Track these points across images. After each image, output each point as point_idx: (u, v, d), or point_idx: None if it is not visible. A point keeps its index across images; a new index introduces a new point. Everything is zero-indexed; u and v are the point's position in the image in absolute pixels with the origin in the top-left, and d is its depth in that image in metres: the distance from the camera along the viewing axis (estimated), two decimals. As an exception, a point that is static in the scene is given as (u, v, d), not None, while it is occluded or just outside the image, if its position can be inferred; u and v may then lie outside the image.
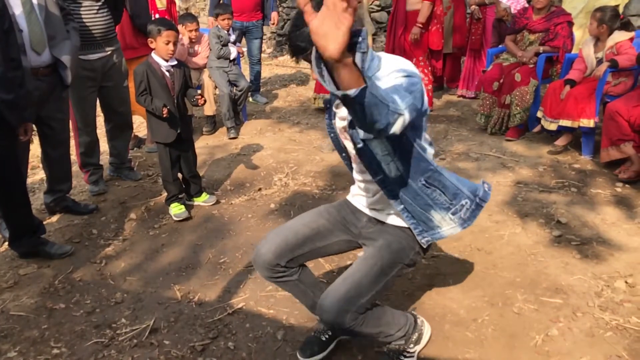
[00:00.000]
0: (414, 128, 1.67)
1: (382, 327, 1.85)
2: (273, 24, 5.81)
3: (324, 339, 2.09)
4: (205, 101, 3.20)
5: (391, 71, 1.59)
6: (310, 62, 1.50)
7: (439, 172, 1.80)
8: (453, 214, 1.83)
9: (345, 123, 1.76)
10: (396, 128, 1.36)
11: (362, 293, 1.72)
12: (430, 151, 1.79)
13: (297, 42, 1.62)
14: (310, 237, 1.94)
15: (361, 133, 1.51)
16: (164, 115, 3.04)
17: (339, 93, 1.19)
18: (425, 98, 1.61)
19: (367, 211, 1.97)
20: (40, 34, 2.84)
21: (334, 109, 1.87)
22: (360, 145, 1.67)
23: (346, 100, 1.21)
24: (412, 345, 1.99)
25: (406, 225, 1.86)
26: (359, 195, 2.00)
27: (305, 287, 2.02)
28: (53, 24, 2.90)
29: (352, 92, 1.17)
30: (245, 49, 5.62)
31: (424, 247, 1.88)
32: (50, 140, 3.17)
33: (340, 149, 1.96)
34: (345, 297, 1.70)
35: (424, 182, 1.78)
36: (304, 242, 1.93)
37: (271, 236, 1.95)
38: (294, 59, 1.70)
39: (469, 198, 1.83)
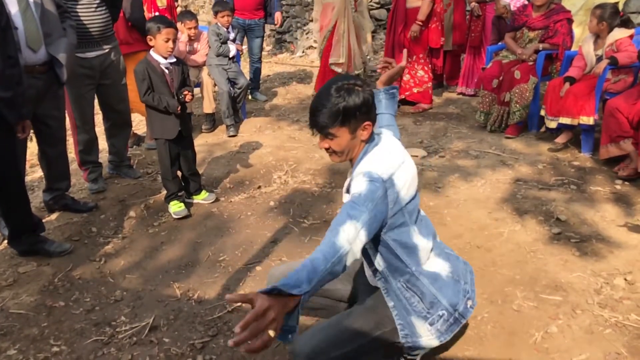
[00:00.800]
0: (391, 227, 1.67)
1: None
2: (277, 24, 5.79)
3: None
4: (192, 97, 3.20)
5: (359, 172, 1.64)
6: (322, 133, 1.68)
7: (416, 276, 1.74)
8: (430, 324, 1.75)
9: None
10: (350, 260, 1.48)
11: (332, 348, 1.71)
12: (419, 247, 1.74)
13: (321, 119, 1.64)
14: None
15: None
16: (178, 113, 3.09)
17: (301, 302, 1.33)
18: (399, 195, 1.64)
19: (367, 273, 1.93)
20: (36, 31, 2.82)
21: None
22: None
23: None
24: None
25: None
26: None
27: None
28: (49, 21, 2.89)
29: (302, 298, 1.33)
30: (245, 47, 5.61)
31: (405, 348, 1.82)
32: (47, 138, 3.16)
33: None
34: (315, 346, 1.71)
35: (402, 284, 1.75)
36: None
37: (280, 266, 2.01)
38: (311, 131, 1.73)
39: (447, 310, 1.76)
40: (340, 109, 1.62)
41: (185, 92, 3.15)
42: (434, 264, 1.80)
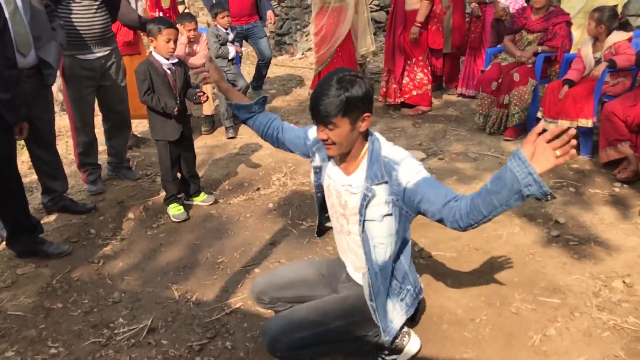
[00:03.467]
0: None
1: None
2: (271, 23, 5.78)
3: None
4: (207, 97, 3.20)
5: (400, 160, 1.75)
6: (322, 123, 1.72)
7: (401, 255, 1.89)
8: (401, 300, 1.88)
9: (346, 190, 1.84)
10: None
11: (298, 329, 1.79)
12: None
13: (325, 109, 1.67)
14: (293, 283, 2.05)
15: (374, 212, 1.73)
16: (175, 114, 3.09)
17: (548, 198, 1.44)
18: None
19: (349, 270, 2.00)
20: (26, 35, 2.81)
21: (327, 172, 1.91)
22: (363, 220, 1.77)
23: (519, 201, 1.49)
24: (387, 352, 2.00)
25: None
26: (344, 254, 2.03)
27: None
28: (39, 24, 2.88)
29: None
30: (244, 49, 5.60)
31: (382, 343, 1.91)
32: (37, 141, 3.13)
33: (322, 204, 2.04)
34: (282, 326, 1.80)
35: (394, 264, 1.86)
36: (286, 286, 2.05)
37: (265, 275, 2.15)
38: (313, 121, 1.76)
39: (412, 285, 1.90)
40: (344, 99, 1.65)
41: (200, 94, 3.16)
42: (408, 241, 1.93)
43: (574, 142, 1.39)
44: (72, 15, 3.27)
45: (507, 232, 2.92)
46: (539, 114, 4.16)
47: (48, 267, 2.85)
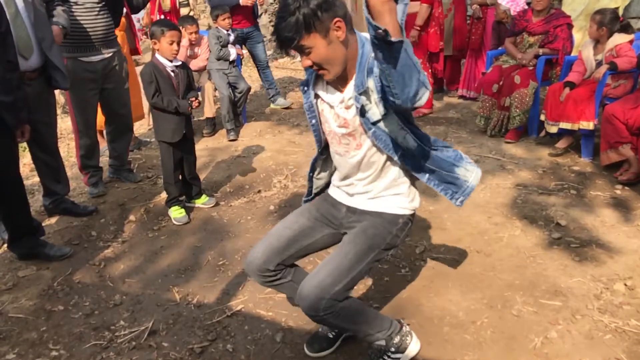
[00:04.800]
0: None
1: (361, 325, 1.89)
2: (252, 2, 5.35)
3: (331, 336, 2.13)
4: (199, 104, 3.21)
5: None
6: (297, 50, 1.62)
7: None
8: (464, 159, 1.91)
9: (342, 106, 1.78)
10: (423, 100, 1.48)
11: (337, 280, 1.75)
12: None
13: (285, 34, 1.61)
14: (293, 238, 1.98)
15: (373, 116, 1.65)
16: (189, 113, 3.16)
17: (384, 34, 1.31)
18: None
19: (345, 201, 1.98)
20: (28, 38, 2.81)
21: (321, 93, 1.85)
22: (372, 129, 1.72)
23: (386, 48, 1.36)
24: (393, 350, 1.99)
25: (384, 210, 1.89)
26: (336, 188, 2.03)
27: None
28: (42, 25, 2.89)
29: (394, 38, 1.32)
30: (245, 52, 5.61)
31: (410, 221, 1.95)
32: (39, 144, 3.14)
33: (319, 130, 1.96)
34: (320, 284, 1.74)
35: (434, 147, 1.87)
36: (288, 244, 1.97)
37: (258, 244, 1.99)
38: (282, 51, 1.71)
39: (460, 153, 1.94)
40: (300, 17, 1.56)
41: (192, 99, 3.17)
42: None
43: None
44: (75, 17, 3.28)
45: (508, 235, 2.92)
46: (542, 117, 4.16)
47: (49, 269, 2.85)
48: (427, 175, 1.87)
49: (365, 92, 1.68)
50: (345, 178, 1.96)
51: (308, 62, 1.66)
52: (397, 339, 1.99)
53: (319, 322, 1.92)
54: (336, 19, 1.60)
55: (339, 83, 1.78)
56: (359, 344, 2.14)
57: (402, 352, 2.01)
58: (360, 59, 1.68)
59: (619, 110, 3.46)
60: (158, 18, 4.81)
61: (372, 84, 1.66)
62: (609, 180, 3.54)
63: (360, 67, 1.67)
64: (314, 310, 1.75)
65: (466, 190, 1.90)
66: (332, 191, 2.07)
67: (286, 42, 1.62)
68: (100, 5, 3.38)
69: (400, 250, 2.82)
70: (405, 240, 2.89)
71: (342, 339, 2.15)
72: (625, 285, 2.42)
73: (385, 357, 2.00)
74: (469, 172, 1.89)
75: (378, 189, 1.90)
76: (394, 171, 1.88)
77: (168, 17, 4.80)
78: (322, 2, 1.58)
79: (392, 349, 1.99)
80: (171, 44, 3.06)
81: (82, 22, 3.32)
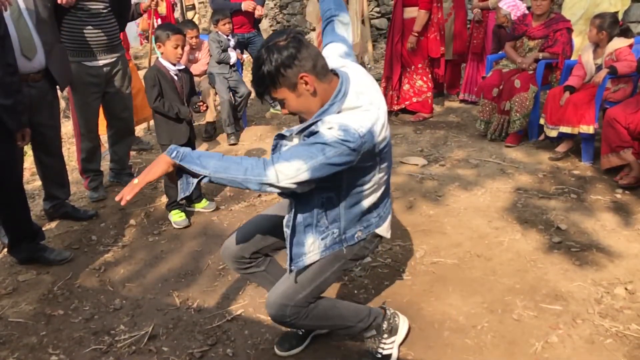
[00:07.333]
0: (352, 170, 1.66)
1: (335, 320, 1.93)
2: (260, 15, 5.37)
3: (300, 333, 2.16)
4: (207, 107, 3.22)
5: (335, 122, 1.58)
6: (273, 100, 1.75)
7: (340, 198, 1.77)
8: (322, 239, 1.80)
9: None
10: (271, 189, 1.57)
11: (300, 289, 1.81)
12: (372, 181, 1.77)
13: (256, 87, 1.70)
14: (271, 229, 2.00)
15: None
16: (189, 118, 3.15)
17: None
18: (375, 144, 1.63)
19: None
20: (31, 39, 2.82)
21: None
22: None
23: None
24: (386, 336, 2.03)
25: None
26: None
27: (273, 278, 2.07)
28: (46, 28, 2.90)
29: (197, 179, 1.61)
30: (245, 56, 5.62)
31: (379, 236, 1.92)
32: (43, 146, 3.14)
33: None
34: (284, 293, 1.81)
35: (323, 199, 1.76)
36: (264, 234, 2.01)
37: (236, 232, 2.05)
38: (260, 101, 1.80)
39: (339, 229, 1.81)
40: (265, 73, 1.61)
41: (200, 103, 3.17)
42: (367, 194, 1.79)
43: None
44: (80, 22, 3.29)
45: (508, 239, 2.92)
46: (542, 121, 4.17)
47: (49, 274, 2.85)
48: (287, 230, 1.82)
49: (289, 137, 1.76)
50: None
51: (285, 111, 1.75)
52: (385, 325, 2.03)
53: (291, 327, 1.97)
54: (301, 74, 1.61)
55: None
56: (358, 343, 2.14)
57: (395, 334, 2.05)
58: (319, 113, 1.66)
59: (620, 114, 3.46)
60: (155, 22, 4.81)
61: (296, 140, 1.74)
62: (609, 185, 3.53)
63: (319, 114, 1.65)
64: (280, 317, 1.82)
65: (299, 262, 1.81)
66: None
67: (258, 94, 1.72)
68: (105, 10, 3.39)
69: (400, 254, 2.81)
70: (404, 245, 2.89)
71: (312, 336, 2.17)
72: (626, 289, 2.42)
73: (382, 346, 2.03)
74: (313, 248, 1.81)
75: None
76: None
77: (163, 21, 4.81)
78: (284, 60, 1.59)
79: (385, 335, 2.02)
80: (176, 47, 3.07)
81: (87, 27, 3.31)
